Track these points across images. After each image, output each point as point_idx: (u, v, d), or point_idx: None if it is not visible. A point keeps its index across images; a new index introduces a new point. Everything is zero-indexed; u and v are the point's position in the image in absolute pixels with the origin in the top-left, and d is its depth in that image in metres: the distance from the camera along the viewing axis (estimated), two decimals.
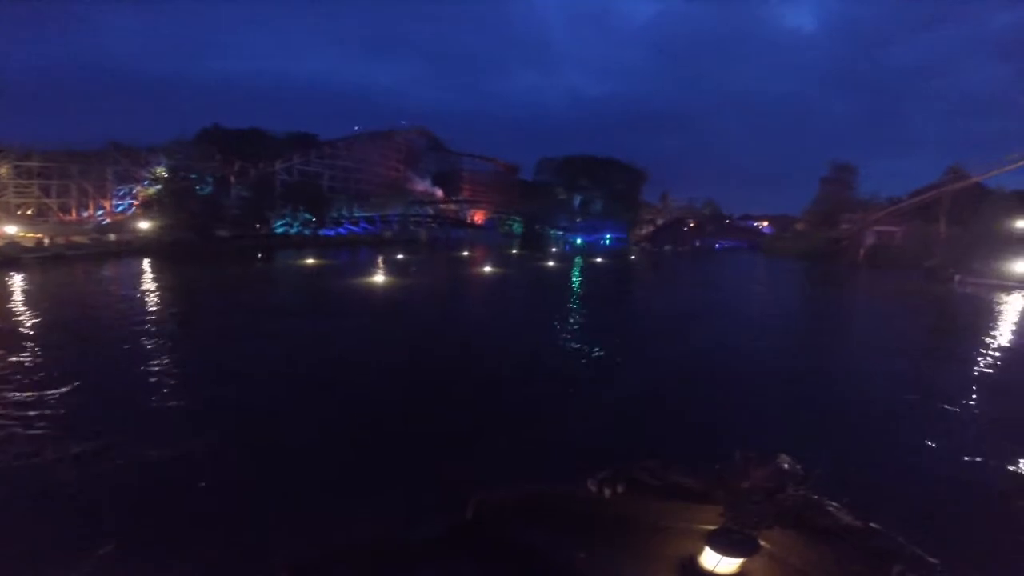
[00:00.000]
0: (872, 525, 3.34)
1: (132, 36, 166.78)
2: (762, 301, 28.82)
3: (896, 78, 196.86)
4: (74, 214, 53.64)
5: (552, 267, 43.20)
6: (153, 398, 9.71)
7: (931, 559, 3.23)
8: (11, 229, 39.74)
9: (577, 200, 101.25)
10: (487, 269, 37.92)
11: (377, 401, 10.24)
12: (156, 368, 11.70)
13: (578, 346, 15.04)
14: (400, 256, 46.26)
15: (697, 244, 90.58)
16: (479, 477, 6.39)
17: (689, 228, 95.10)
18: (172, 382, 10.76)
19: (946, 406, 10.51)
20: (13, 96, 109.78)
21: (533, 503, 3.89)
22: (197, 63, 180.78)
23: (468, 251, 55.86)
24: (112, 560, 5.10)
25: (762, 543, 3.17)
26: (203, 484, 6.69)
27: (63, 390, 9.85)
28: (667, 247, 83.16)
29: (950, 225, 49.49)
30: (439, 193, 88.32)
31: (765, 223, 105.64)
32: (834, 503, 3.45)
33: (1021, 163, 47.95)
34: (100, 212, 55.91)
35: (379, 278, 28.74)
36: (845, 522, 3.34)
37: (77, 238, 43.69)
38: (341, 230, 66.13)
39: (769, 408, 10.38)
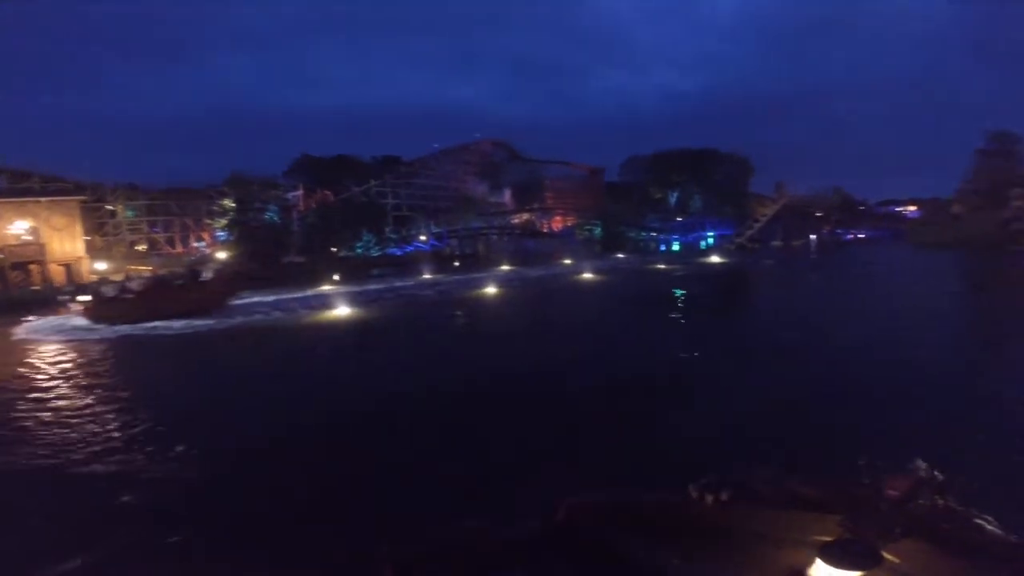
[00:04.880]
0: None
1: (235, 75, 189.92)
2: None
3: None
4: (179, 247, 61.09)
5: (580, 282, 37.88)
6: None
7: None
8: (101, 266, 45.80)
9: (673, 198, 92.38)
10: (488, 290, 34.17)
11: None
12: None
13: None
14: (426, 276, 44.50)
15: (815, 237, 76.54)
16: None
17: (809, 219, 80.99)
18: None
19: None
20: (125, 136, 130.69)
21: (627, 508, 3.71)
22: (294, 97, 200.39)
23: (516, 264, 52.65)
24: None
25: (886, 555, 2.74)
26: None
27: None
28: (775, 242, 71.22)
29: None
30: (508, 202, 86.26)
31: (912, 208, 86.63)
32: (985, 516, 2.99)
33: None
34: (202, 244, 63.09)
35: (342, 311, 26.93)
36: (993, 536, 2.93)
37: (163, 271, 48.93)
38: (409, 248, 66.97)
39: None
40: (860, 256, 55.29)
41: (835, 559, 2.74)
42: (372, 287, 39.17)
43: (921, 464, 3.41)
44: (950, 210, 65.97)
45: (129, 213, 59.25)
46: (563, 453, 8.65)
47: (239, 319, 26.73)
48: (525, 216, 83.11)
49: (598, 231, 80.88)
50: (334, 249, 61.91)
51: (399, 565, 3.67)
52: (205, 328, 24.66)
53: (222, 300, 29.99)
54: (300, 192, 68.74)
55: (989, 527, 3.09)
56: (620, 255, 67.30)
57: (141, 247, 58.32)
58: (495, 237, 72.43)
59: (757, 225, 70.64)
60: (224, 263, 51.21)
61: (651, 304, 26.95)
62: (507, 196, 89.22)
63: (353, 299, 30.56)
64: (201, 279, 31.17)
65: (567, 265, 52.48)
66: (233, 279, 35.30)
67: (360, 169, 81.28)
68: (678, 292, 29.89)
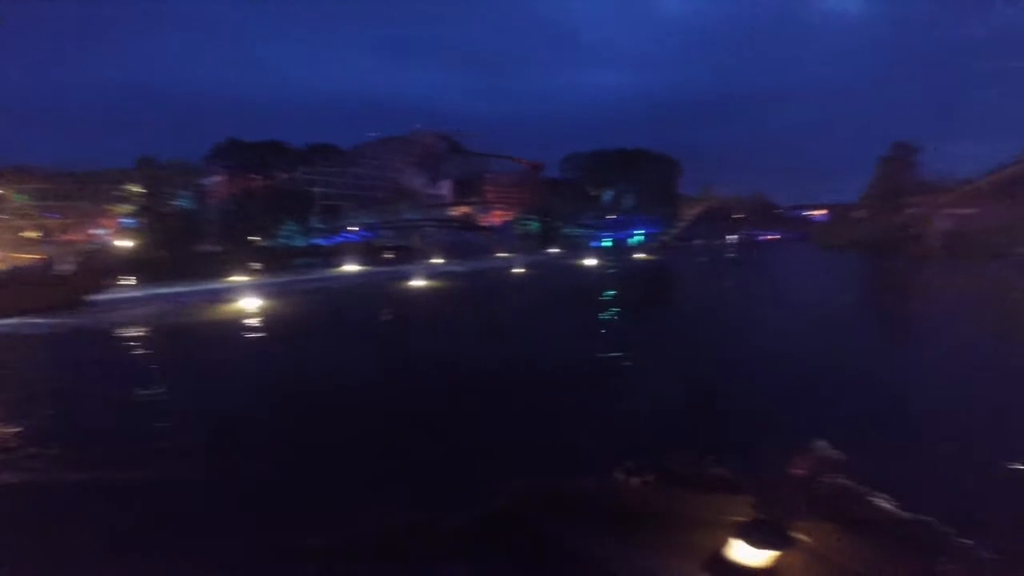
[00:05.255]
0: (921, 517, 3.01)
1: (164, 56, 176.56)
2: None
3: (964, 56, 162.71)
4: (76, 234, 55.82)
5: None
6: None
7: (985, 553, 2.86)
8: None
9: (608, 196, 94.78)
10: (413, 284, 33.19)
11: None
12: None
13: None
14: (351, 268, 43.00)
15: (736, 237, 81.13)
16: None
17: (730, 220, 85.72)
18: None
19: None
20: (40, 117, 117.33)
21: (561, 495, 3.78)
22: (233, 81, 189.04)
23: (450, 257, 52.27)
24: None
25: (798, 536, 2.97)
26: None
27: None
28: (698, 241, 74.94)
29: None
30: (447, 195, 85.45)
31: (823, 211, 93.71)
32: (880, 494, 3.16)
33: None
34: (104, 232, 58.01)
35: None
36: (889, 513, 3.10)
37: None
38: (337, 238, 64.76)
39: None
40: (773, 256, 59.00)
41: (752, 540, 2.93)
42: (288, 278, 37.45)
43: (821, 444, 3.59)
44: (853, 214, 71.72)
45: (18, 197, 53.49)
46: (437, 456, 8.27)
47: (113, 314, 23.70)
48: (464, 209, 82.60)
49: (535, 226, 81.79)
50: (254, 238, 58.90)
51: (328, 558, 3.62)
52: (47, 327, 21.30)
53: (83, 295, 26.44)
54: (219, 178, 64.74)
55: (884, 504, 3.31)
56: (554, 250, 68.35)
57: (32, 234, 52.75)
58: (432, 230, 71.42)
59: (682, 225, 73.82)
60: (93, 254, 47.03)
61: (578, 301, 27.06)
62: (446, 189, 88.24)
63: (263, 291, 28.98)
64: (58, 272, 27.48)
65: (501, 259, 52.61)
66: (102, 272, 31.10)
67: (291, 156, 77.23)
68: (608, 289, 30.29)
